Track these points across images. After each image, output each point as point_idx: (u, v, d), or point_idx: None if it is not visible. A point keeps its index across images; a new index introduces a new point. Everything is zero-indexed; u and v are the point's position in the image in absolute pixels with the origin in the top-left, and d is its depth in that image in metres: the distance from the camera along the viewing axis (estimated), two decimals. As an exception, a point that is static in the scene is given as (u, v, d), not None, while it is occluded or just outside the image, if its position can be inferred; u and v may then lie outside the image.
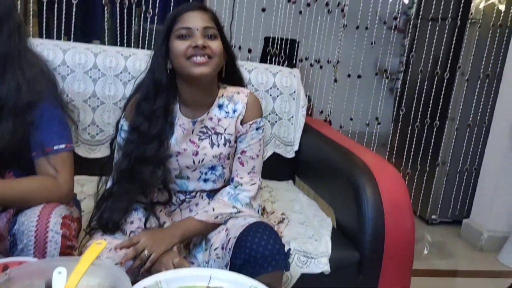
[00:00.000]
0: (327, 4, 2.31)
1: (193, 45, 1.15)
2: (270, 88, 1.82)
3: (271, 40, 2.43)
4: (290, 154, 1.84)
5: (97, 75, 1.62)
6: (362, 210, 1.31)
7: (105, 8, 2.16)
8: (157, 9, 2.18)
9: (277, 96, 1.82)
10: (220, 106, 1.28)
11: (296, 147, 1.83)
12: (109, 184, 1.25)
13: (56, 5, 1.96)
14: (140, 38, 2.17)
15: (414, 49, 2.69)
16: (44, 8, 1.98)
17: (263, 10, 2.23)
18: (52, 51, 1.59)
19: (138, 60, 1.67)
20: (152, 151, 1.19)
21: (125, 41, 2.17)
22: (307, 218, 1.49)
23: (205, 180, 1.29)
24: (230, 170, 1.31)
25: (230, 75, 1.31)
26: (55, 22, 1.98)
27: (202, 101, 1.26)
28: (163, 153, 1.21)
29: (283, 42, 2.41)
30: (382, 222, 1.29)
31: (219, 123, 1.27)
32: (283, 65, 2.34)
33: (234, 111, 1.28)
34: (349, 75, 2.54)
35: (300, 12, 2.32)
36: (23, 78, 1.05)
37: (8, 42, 1.05)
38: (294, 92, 1.84)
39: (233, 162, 1.30)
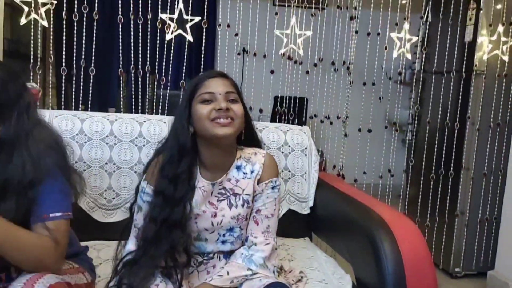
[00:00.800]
0: (333, 63, 2.40)
1: (216, 107, 1.20)
2: (282, 145, 1.85)
3: (279, 99, 2.50)
4: (306, 211, 1.83)
5: (113, 141, 1.67)
6: (381, 265, 1.28)
7: (121, 77, 2.26)
8: (169, 76, 2.28)
9: (289, 153, 1.85)
10: (238, 168, 1.30)
11: (311, 203, 1.83)
12: (127, 247, 1.25)
13: (74, 77, 2.06)
14: (154, 103, 2.25)
15: (421, 102, 2.73)
16: (63, 79, 2.09)
17: (272, 72, 2.32)
18: (71, 121, 1.65)
19: (153, 125, 1.72)
20: (179, 214, 1.20)
21: (139, 107, 2.26)
22: (326, 276, 1.46)
23: (223, 242, 1.29)
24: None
25: (248, 137, 1.35)
26: (73, 92, 2.08)
27: (221, 163, 1.29)
28: (187, 216, 1.22)
29: (292, 100, 2.48)
30: (403, 278, 1.25)
31: (237, 184, 1.29)
32: (293, 122, 2.39)
33: (252, 171, 1.30)
34: (359, 129, 2.58)
35: (307, 72, 2.40)
36: (28, 157, 1.06)
37: (17, 125, 1.06)
38: (306, 148, 1.87)
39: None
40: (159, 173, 1.24)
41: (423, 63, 2.61)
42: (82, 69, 2.06)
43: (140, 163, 1.67)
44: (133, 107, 2.27)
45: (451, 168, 2.59)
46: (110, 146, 1.67)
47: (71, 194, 1.15)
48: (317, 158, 1.88)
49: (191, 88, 1.26)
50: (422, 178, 2.60)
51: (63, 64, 2.06)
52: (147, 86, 2.24)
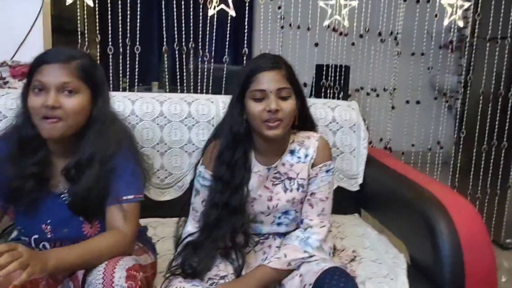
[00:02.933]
0: (379, 34, 2.31)
1: (267, 109, 1.18)
2: (330, 122, 1.82)
3: (325, 68, 2.42)
4: (355, 187, 1.82)
5: (164, 122, 1.70)
6: (438, 247, 1.27)
7: (165, 54, 2.27)
8: (213, 53, 2.26)
9: (337, 130, 1.82)
10: (292, 152, 1.31)
11: (360, 180, 1.82)
12: (187, 228, 1.31)
13: (121, 55, 2.09)
14: (199, 78, 2.25)
15: (473, 69, 2.61)
16: (110, 56, 2.12)
17: (316, 45, 2.26)
18: (122, 102, 1.68)
19: (201, 105, 1.73)
20: (237, 199, 1.23)
21: (184, 82, 2.26)
22: (379, 255, 1.46)
23: (279, 224, 1.32)
24: None
25: (303, 121, 1.33)
26: (120, 68, 2.12)
27: (275, 149, 1.30)
28: (245, 200, 1.25)
29: (336, 69, 2.40)
30: (461, 259, 1.24)
31: (291, 168, 1.30)
32: (338, 96, 2.35)
33: (306, 156, 1.30)
34: (407, 101, 2.51)
35: (353, 43, 2.33)
36: (110, 133, 1.15)
37: (105, 105, 1.16)
38: (354, 125, 1.84)
39: None
40: (217, 159, 1.26)
41: (476, 29, 2.48)
42: (128, 47, 2.08)
43: (190, 143, 1.70)
44: (178, 81, 2.27)
45: (504, 139, 2.49)
46: (161, 127, 1.69)
47: (142, 176, 1.21)
48: (366, 135, 1.85)
49: (243, 79, 1.23)
50: (474, 149, 2.51)
51: (110, 43, 2.08)
52: (190, 61, 2.24)
